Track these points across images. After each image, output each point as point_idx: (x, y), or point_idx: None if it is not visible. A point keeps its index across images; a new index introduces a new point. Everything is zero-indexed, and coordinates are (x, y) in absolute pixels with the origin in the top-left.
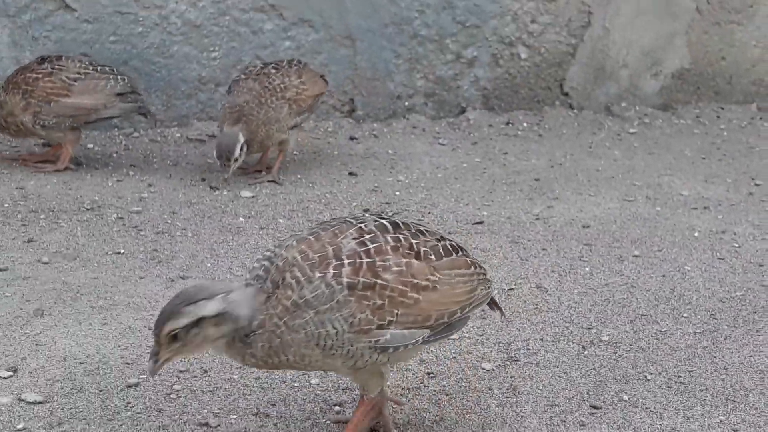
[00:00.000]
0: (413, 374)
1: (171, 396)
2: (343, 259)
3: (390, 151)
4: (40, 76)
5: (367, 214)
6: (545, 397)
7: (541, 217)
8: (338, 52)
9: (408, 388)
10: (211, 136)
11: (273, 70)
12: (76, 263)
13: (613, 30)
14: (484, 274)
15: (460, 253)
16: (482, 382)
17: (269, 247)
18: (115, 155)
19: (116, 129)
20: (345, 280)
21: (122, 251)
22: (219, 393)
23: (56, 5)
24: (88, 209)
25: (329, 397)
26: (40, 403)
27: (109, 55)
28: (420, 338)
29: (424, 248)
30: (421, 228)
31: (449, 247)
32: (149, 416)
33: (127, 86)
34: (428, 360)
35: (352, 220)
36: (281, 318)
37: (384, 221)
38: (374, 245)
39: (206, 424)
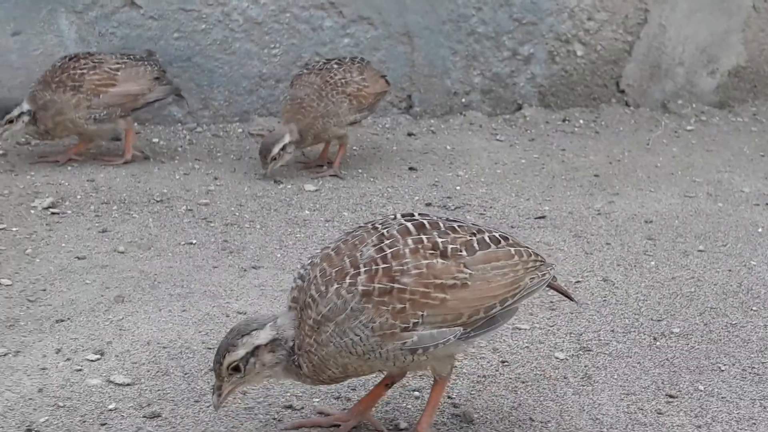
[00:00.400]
0: (488, 362)
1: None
2: (359, 268)
3: (448, 147)
4: (85, 70)
5: (398, 216)
6: (620, 386)
7: (603, 212)
8: (396, 49)
9: (484, 375)
10: (271, 131)
11: (335, 66)
12: (150, 253)
13: (669, 27)
14: (537, 261)
15: (502, 244)
16: (557, 371)
17: (303, 264)
18: (180, 149)
19: (180, 124)
20: (360, 288)
21: (194, 242)
22: (288, 385)
23: (122, 2)
24: (157, 201)
25: (407, 382)
26: (128, 385)
27: (173, 52)
28: (451, 336)
29: (453, 246)
30: (455, 225)
31: (487, 240)
32: (234, 399)
33: (161, 71)
34: (502, 349)
35: (378, 226)
36: (310, 336)
37: (408, 224)
38: (392, 250)
39: (290, 407)
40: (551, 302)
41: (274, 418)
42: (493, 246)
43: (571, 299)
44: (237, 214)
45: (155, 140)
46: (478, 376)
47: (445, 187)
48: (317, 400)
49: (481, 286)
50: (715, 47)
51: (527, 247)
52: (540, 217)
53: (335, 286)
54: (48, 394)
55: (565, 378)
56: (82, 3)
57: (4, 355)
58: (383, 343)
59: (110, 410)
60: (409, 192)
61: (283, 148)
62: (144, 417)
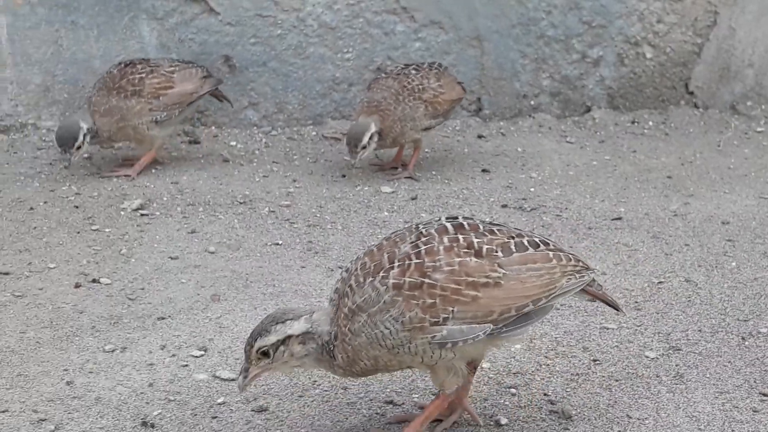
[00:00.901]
0: (579, 360)
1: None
2: (394, 263)
3: (519, 149)
4: (143, 75)
5: (442, 218)
6: (713, 384)
7: (679, 213)
8: (466, 52)
9: (577, 374)
10: (345, 134)
11: (413, 71)
12: (239, 253)
13: (739, 29)
14: (576, 266)
15: (541, 247)
16: (648, 370)
17: (352, 259)
18: (257, 152)
19: (255, 127)
20: (391, 281)
21: (280, 242)
22: (397, 375)
23: (201, 9)
24: (241, 203)
25: (502, 380)
26: (233, 380)
27: (249, 57)
28: (481, 333)
29: (489, 246)
30: (495, 228)
31: (525, 243)
32: (336, 394)
33: (205, 70)
34: (592, 348)
35: (419, 226)
36: (345, 326)
37: (447, 223)
38: (426, 247)
39: (391, 402)
40: (636, 302)
41: (377, 413)
42: (531, 249)
43: (617, 309)
44: (318, 215)
45: (233, 143)
46: (572, 374)
47: (519, 189)
48: (416, 395)
49: (514, 285)
50: None
51: (569, 253)
52: (616, 219)
53: (371, 278)
54: (158, 389)
55: (657, 376)
56: (162, 10)
57: (112, 351)
58: (412, 337)
59: (219, 404)
60: (484, 194)
61: (371, 137)
62: (252, 411)
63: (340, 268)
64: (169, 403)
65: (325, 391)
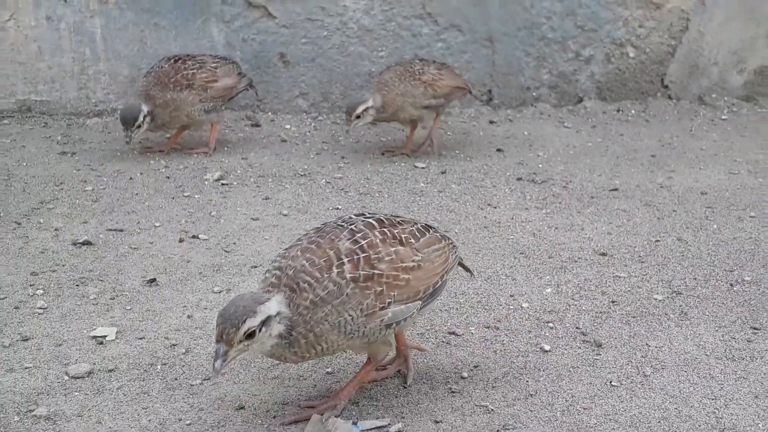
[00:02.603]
0: (600, 302)
1: None
2: (343, 259)
3: (525, 133)
4: (194, 71)
5: (353, 216)
6: (712, 320)
7: (664, 185)
8: (480, 51)
9: (600, 312)
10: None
11: (417, 62)
12: (308, 215)
13: (707, 33)
14: (452, 243)
15: (431, 231)
16: (657, 309)
17: (276, 258)
18: (308, 134)
19: (305, 114)
20: (348, 275)
21: (339, 207)
22: (454, 311)
23: (261, 13)
24: (301, 175)
25: (540, 317)
26: None
27: (300, 54)
28: (414, 310)
29: (404, 235)
30: (398, 219)
31: (422, 228)
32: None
33: (238, 66)
34: (609, 292)
35: (343, 224)
36: (305, 315)
37: (370, 220)
38: (366, 241)
39: (454, 333)
40: (639, 257)
41: (443, 341)
42: (427, 234)
43: (471, 273)
44: (366, 186)
45: (287, 126)
46: (596, 312)
47: (529, 165)
48: (473, 328)
49: (429, 266)
50: (743, 50)
51: (445, 233)
52: (613, 190)
53: (326, 273)
54: None
55: (665, 314)
56: (229, 14)
57: (219, 292)
58: (367, 322)
59: None
60: (501, 169)
61: (366, 110)
62: None
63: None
64: None
65: None
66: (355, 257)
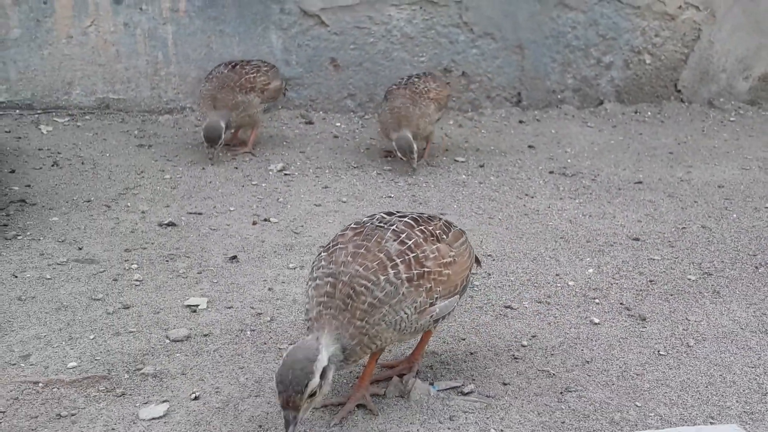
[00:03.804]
0: (639, 282)
1: (476, 286)
2: (395, 260)
3: (553, 131)
4: (254, 74)
5: (385, 215)
6: (743, 298)
7: (684, 179)
8: (511, 57)
9: (640, 290)
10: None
11: (416, 79)
12: (364, 202)
13: (716, 43)
14: (466, 237)
15: (453, 226)
16: (692, 288)
17: (322, 263)
18: (357, 131)
19: (352, 113)
20: (404, 275)
21: (392, 195)
22: (507, 287)
23: (314, 22)
24: (354, 167)
25: (586, 293)
26: None
27: (349, 59)
28: (455, 303)
29: (438, 231)
30: (425, 216)
31: (446, 224)
32: (464, 301)
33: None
34: (646, 273)
35: (382, 225)
36: (362, 319)
37: (407, 219)
38: (412, 241)
39: (510, 307)
40: (669, 242)
41: (500, 314)
42: (450, 229)
43: (478, 265)
44: (413, 177)
45: (338, 124)
46: (636, 290)
47: (559, 160)
48: (526, 302)
49: (461, 260)
50: (749, 58)
51: (460, 228)
52: (638, 182)
53: (383, 275)
54: None
55: (700, 293)
56: (287, 22)
57: (294, 268)
58: (420, 318)
59: None
60: (534, 163)
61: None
62: None
63: (442, 214)
64: None
65: None
66: (406, 257)
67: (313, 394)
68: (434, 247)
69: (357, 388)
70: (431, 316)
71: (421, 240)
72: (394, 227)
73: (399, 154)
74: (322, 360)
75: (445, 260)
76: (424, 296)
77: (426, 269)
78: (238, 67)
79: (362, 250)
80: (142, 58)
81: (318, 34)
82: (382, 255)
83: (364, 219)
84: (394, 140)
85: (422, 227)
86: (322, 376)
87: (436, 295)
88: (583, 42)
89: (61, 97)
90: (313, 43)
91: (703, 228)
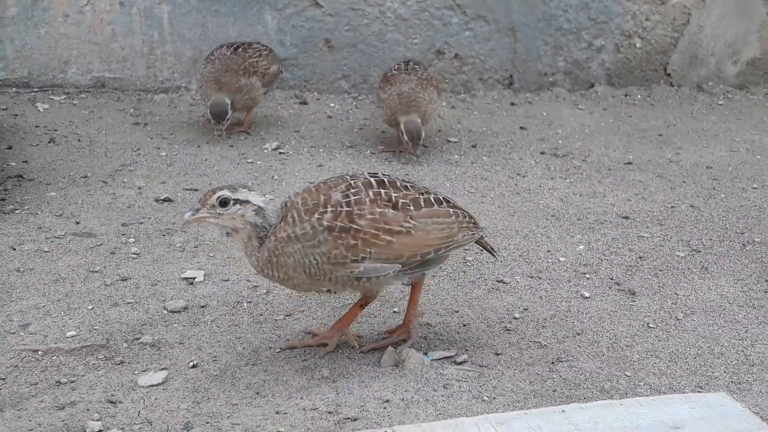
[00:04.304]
0: (629, 258)
1: (468, 261)
2: (327, 208)
3: (544, 113)
4: (256, 59)
5: (365, 173)
6: (730, 275)
7: (673, 160)
8: (503, 40)
9: (629, 266)
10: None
11: (416, 67)
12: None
13: (705, 27)
14: (470, 223)
15: (444, 204)
16: (681, 264)
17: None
18: (350, 111)
19: (346, 94)
20: (325, 223)
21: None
22: (499, 263)
23: (309, 3)
24: (348, 146)
25: (576, 269)
26: None
27: (344, 40)
28: (390, 271)
29: (404, 200)
30: (408, 184)
31: (432, 200)
32: (457, 275)
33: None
34: (636, 249)
35: (348, 177)
36: (281, 242)
37: (372, 179)
38: (355, 197)
39: (502, 281)
40: (658, 220)
41: (493, 288)
42: (436, 206)
43: (494, 255)
44: (407, 156)
45: (332, 105)
46: (626, 266)
47: (550, 141)
48: (519, 277)
49: (421, 235)
50: (738, 43)
51: (465, 211)
52: (628, 163)
53: (308, 216)
54: None
55: (688, 269)
56: (281, 2)
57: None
58: (334, 270)
59: None
60: (526, 144)
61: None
62: (402, 284)
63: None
64: None
65: (451, 270)
66: (339, 209)
67: (223, 203)
68: (380, 210)
69: (335, 329)
70: (351, 272)
71: (366, 200)
72: (353, 182)
73: (405, 138)
74: (255, 197)
75: (388, 226)
76: (342, 250)
77: (354, 226)
78: (240, 49)
79: (314, 189)
80: (137, 37)
81: (312, 15)
82: (322, 198)
83: (358, 173)
84: (403, 123)
85: (381, 190)
86: (241, 203)
87: (364, 255)
88: (574, 25)
89: (57, 75)
90: (308, 24)
91: (692, 207)
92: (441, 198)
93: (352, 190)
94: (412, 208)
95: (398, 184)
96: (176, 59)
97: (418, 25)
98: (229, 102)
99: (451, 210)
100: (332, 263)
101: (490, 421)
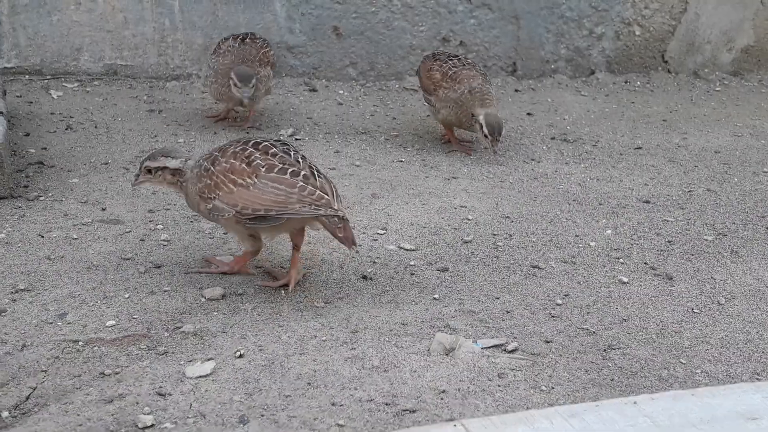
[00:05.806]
0: (658, 243)
1: (499, 246)
2: (214, 153)
3: (549, 100)
4: (267, 49)
5: (264, 137)
6: (762, 258)
7: (681, 145)
8: (507, 27)
9: (661, 250)
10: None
11: (455, 59)
12: (376, 166)
13: (702, 15)
14: (318, 200)
15: (299, 176)
16: (711, 248)
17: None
18: (359, 98)
19: (354, 81)
20: (203, 164)
21: (402, 160)
22: (530, 248)
23: None
24: (362, 132)
25: (609, 253)
26: (413, 250)
27: (351, 27)
28: (227, 213)
29: (260, 162)
30: (281, 153)
31: (289, 171)
32: (491, 261)
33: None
34: (663, 234)
35: (256, 139)
36: (195, 180)
37: (264, 143)
38: (229, 151)
39: (537, 267)
40: (678, 204)
41: (529, 273)
42: (288, 177)
43: (348, 247)
44: (421, 142)
45: (340, 92)
46: (658, 250)
47: (558, 127)
48: (553, 262)
49: (257, 193)
50: (732, 31)
51: (320, 191)
52: (638, 148)
53: (205, 161)
54: (363, 254)
55: (719, 253)
56: None
57: (318, 229)
58: (200, 202)
59: (411, 265)
60: (535, 129)
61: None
62: (437, 270)
63: (453, 178)
64: (374, 264)
65: (482, 259)
66: (214, 155)
67: (148, 171)
68: (232, 161)
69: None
70: (207, 207)
71: (230, 153)
72: (249, 142)
73: (485, 131)
74: (171, 162)
75: (233, 177)
76: (202, 186)
77: (211, 169)
78: (248, 40)
79: (227, 145)
80: (149, 24)
81: (321, 2)
82: (218, 147)
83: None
84: (482, 116)
85: (249, 149)
86: (161, 170)
87: (214, 195)
88: (576, 13)
89: (69, 63)
90: (317, 12)
91: (709, 191)
92: (307, 173)
93: (238, 146)
94: (263, 170)
95: (273, 151)
96: (187, 47)
97: (424, 12)
98: (254, 73)
99: (299, 183)
100: (199, 196)
101: (561, 413)
